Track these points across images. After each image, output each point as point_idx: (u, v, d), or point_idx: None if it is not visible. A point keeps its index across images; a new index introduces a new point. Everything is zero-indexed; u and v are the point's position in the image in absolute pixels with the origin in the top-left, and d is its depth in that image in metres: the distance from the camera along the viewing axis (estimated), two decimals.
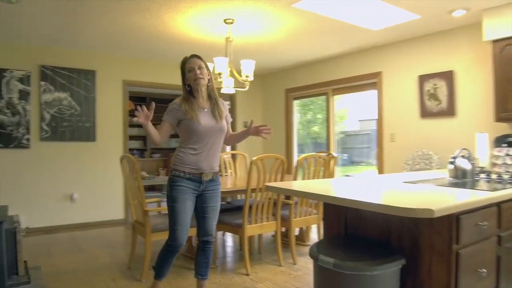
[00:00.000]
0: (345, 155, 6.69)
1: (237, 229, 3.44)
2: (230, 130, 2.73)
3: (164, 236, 3.31)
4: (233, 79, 4.08)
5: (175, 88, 6.10)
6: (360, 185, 2.30)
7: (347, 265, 1.65)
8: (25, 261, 2.84)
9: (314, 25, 4.18)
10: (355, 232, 2.08)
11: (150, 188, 8.56)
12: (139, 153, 9.73)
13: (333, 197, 1.80)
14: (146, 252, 3.25)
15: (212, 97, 2.54)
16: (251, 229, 3.44)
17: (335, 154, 4.61)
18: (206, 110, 2.50)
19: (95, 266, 3.58)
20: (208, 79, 2.50)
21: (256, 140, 7.04)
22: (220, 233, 4.66)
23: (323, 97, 6.00)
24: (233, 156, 5.25)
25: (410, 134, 4.64)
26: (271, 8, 3.68)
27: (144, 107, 2.35)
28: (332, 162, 4.26)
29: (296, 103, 6.65)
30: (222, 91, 4.05)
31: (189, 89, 2.50)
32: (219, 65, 3.82)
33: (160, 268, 2.61)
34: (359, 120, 6.86)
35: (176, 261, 3.67)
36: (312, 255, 1.82)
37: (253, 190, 3.42)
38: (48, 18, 3.91)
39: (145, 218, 3.24)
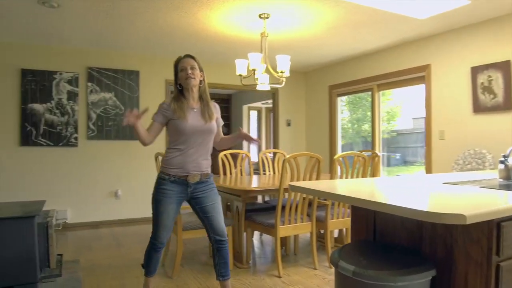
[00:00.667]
0: (398, 154, 6.35)
1: (269, 229, 3.35)
2: (221, 133, 2.71)
3: (195, 235, 3.32)
4: (268, 76, 3.98)
5: (218, 87, 6.14)
6: (394, 186, 2.10)
7: (368, 273, 1.49)
8: (60, 255, 2.94)
9: (354, 17, 3.96)
10: (384, 237, 1.89)
11: None
12: None
13: (353, 197, 1.64)
14: (178, 249, 3.25)
15: (204, 98, 2.53)
16: (284, 230, 3.32)
17: (379, 153, 4.36)
18: (195, 110, 2.48)
19: (129, 262, 3.64)
20: (200, 80, 2.51)
21: (300, 139, 6.90)
22: (257, 233, 4.60)
23: (368, 93, 5.72)
24: (273, 155, 5.15)
25: (461, 131, 4.26)
26: (307, 1, 3.53)
27: (135, 109, 2.37)
28: (375, 161, 4.02)
29: (343, 100, 6.41)
30: (258, 87, 3.96)
31: (181, 89, 2.50)
32: (253, 61, 3.74)
33: (148, 265, 2.61)
34: (412, 118, 6.49)
35: (210, 260, 3.67)
36: (332, 260, 1.68)
37: (286, 190, 3.31)
38: (89, 21, 4.05)
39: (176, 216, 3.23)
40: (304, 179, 3.33)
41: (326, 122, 6.44)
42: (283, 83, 3.99)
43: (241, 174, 4.56)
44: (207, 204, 2.52)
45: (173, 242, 3.55)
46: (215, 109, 2.60)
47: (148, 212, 4.24)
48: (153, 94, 5.62)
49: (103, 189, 5.30)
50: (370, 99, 5.67)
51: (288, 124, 6.81)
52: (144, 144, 2.46)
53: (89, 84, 5.22)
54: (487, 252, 1.44)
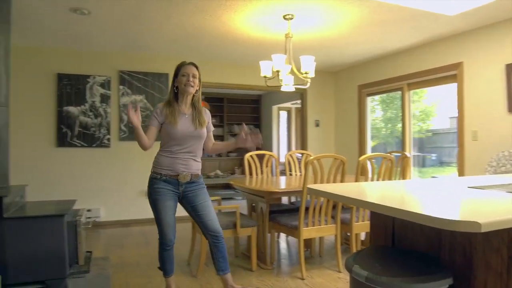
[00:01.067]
0: (433, 155, 6.15)
1: (293, 231, 3.34)
2: (212, 138, 2.84)
3: None
4: (293, 77, 3.97)
5: (245, 88, 6.17)
6: (415, 190, 2.04)
7: (381, 280, 1.46)
8: (90, 252, 3.06)
9: (379, 15, 3.87)
10: (403, 242, 1.85)
11: (226, 186, 8.82)
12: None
13: (366, 202, 1.61)
14: (202, 249, 3.31)
15: (196, 106, 2.64)
16: (307, 232, 3.31)
17: (408, 154, 4.24)
18: (187, 116, 2.60)
19: (157, 260, 3.72)
20: (196, 90, 2.62)
21: (328, 139, 6.82)
22: (283, 234, 4.59)
23: (398, 92, 5.57)
24: (301, 155, 5.13)
25: (495, 131, 4.06)
26: (331, 1, 3.49)
27: (138, 106, 2.53)
28: (404, 162, 3.92)
29: (376, 99, 6.27)
30: (282, 89, 3.96)
31: (176, 91, 2.62)
32: (277, 63, 3.74)
33: (163, 265, 2.74)
34: (449, 117, 6.26)
35: (235, 260, 3.71)
36: (347, 265, 1.66)
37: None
38: (118, 26, 4.19)
39: None
40: (328, 181, 3.30)
41: (356, 123, 6.33)
42: (308, 84, 3.97)
43: (267, 175, 4.56)
44: (198, 203, 2.62)
45: (198, 241, 3.62)
46: (206, 115, 2.70)
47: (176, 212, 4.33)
48: None
49: (134, 188, 5.47)
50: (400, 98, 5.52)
51: (317, 125, 6.75)
52: (145, 147, 2.54)
53: (121, 87, 5.40)
54: (508, 262, 1.39)
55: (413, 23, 4.13)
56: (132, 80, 5.45)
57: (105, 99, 5.33)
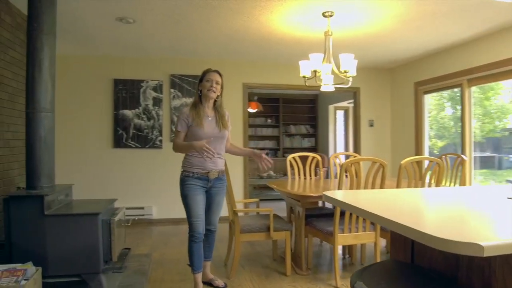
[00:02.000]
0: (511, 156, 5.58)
1: (328, 237, 3.22)
2: (230, 138, 3.10)
3: (253, 238, 3.35)
4: (333, 76, 3.82)
5: (295, 88, 6.10)
6: (442, 199, 1.85)
7: None
8: (128, 248, 3.22)
9: (427, 7, 3.58)
10: (422, 259, 1.69)
11: None
12: (272, 153, 10.05)
13: (370, 213, 1.48)
14: (236, 252, 3.31)
15: (219, 111, 2.90)
16: (343, 238, 3.17)
17: (465, 157, 3.88)
18: (210, 118, 2.86)
19: None
20: (218, 95, 2.88)
21: (384, 140, 6.50)
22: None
23: (457, 89, 5.12)
24: (345, 158, 4.94)
25: None
26: None
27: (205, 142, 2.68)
28: (455, 164, 3.60)
29: (443, 96, 5.83)
30: (322, 89, 3.83)
31: (200, 95, 2.87)
32: (314, 62, 3.63)
33: (192, 260, 2.87)
34: None
35: (271, 264, 3.67)
36: (351, 280, 1.55)
37: None
38: (162, 32, 4.35)
39: (235, 218, 3.31)
40: (365, 186, 3.13)
41: (412, 122, 5.94)
42: (350, 83, 3.80)
43: (311, 177, 4.45)
44: (215, 200, 2.95)
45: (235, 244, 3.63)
46: (228, 119, 2.97)
47: (224, 211, 4.42)
48: (231, 97, 5.80)
49: None
50: (475, 95, 5.03)
51: (371, 125, 6.45)
52: (180, 152, 2.87)
53: (172, 90, 5.61)
54: None
55: (469, 13, 3.76)
56: (182, 84, 5.64)
57: (157, 102, 5.57)
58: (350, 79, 3.72)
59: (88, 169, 5.40)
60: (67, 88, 5.35)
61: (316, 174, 4.67)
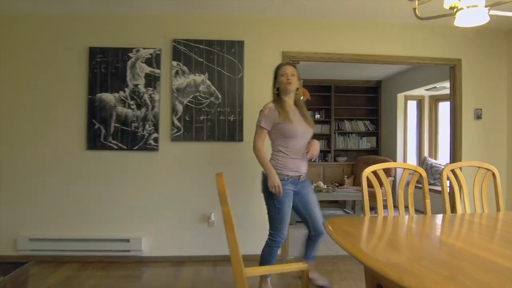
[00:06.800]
0: None
1: None
2: None
3: None
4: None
5: (356, 60, 4.01)
6: None
7: None
8: None
9: None
10: None
11: (332, 203, 6.72)
12: (321, 156, 7.96)
13: None
14: None
15: (299, 104, 2.77)
16: None
17: None
18: (297, 116, 2.70)
19: None
20: (297, 88, 2.73)
21: (496, 139, 4.24)
22: None
23: None
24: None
25: None
26: None
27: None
28: None
29: None
30: (456, 23, 1.73)
31: (278, 92, 2.76)
32: None
33: (270, 262, 2.67)
34: None
35: None
36: None
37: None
38: None
39: None
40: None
41: None
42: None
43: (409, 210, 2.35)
44: (309, 199, 2.76)
45: None
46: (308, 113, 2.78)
47: (255, 247, 2.91)
48: (264, 74, 3.81)
49: (191, 212, 3.73)
50: None
51: (478, 117, 4.20)
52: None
53: (174, 63, 3.72)
54: None
55: None
56: (190, 53, 3.73)
57: (152, 81, 3.70)
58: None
59: (48, 182, 3.64)
60: (18, 63, 3.62)
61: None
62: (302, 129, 2.65)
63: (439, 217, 2.09)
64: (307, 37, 3.89)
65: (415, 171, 2.27)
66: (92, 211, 3.65)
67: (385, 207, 2.41)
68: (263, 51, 3.83)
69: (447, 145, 4.31)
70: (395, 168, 5.22)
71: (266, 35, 3.84)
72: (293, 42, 3.88)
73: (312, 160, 2.72)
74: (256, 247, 2.94)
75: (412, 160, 7.18)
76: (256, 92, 3.79)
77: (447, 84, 5.94)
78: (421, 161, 7.01)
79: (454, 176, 2.37)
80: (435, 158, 7.01)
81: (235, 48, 3.77)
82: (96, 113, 3.65)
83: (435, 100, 7.08)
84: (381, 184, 2.26)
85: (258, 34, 3.83)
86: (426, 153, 7.09)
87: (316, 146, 2.66)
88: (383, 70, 6.78)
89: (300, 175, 2.69)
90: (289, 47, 3.87)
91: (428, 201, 2.23)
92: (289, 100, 2.73)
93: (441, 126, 7.02)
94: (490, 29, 4.15)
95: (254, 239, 3.20)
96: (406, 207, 2.26)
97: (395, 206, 4.19)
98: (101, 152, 3.66)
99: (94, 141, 3.64)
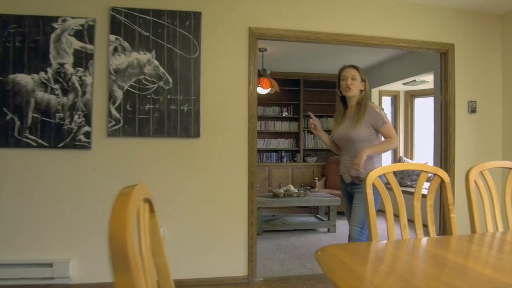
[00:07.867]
0: None
1: None
2: (382, 138, 2.63)
3: None
4: None
5: (336, 41, 3.39)
6: None
7: None
8: None
9: None
10: None
11: (302, 207, 6.08)
12: (289, 156, 7.37)
13: None
14: None
15: (361, 104, 2.60)
16: None
17: None
18: (348, 119, 2.63)
19: None
20: (361, 90, 2.62)
21: (491, 135, 3.76)
22: None
23: None
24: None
25: None
26: None
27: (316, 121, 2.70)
28: None
29: None
30: None
31: (341, 95, 2.69)
32: None
33: None
34: None
35: None
36: None
37: None
38: None
39: None
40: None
41: None
42: None
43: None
44: (352, 205, 2.60)
45: None
46: (370, 115, 2.54)
47: (224, 270, 2.33)
48: (226, 54, 3.11)
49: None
50: None
51: (472, 110, 3.70)
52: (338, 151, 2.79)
53: (113, 37, 2.92)
54: None
55: None
56: (133, 26, 2.95)
57: (82, 59, 2.89)
58: None
59: None
60: None
61: None
62: (338, 133, 2.68)
63: (475, 240, 1.46)
64: (279, 12, 3.22)
65: (435, 174, 1.63)
66: (3, 229, 2.80)
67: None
68: (225, 26, 3.12)
69: (423, 144, 3.79)
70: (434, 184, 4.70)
71: (229, 7, 3.13)
72: (262, 17, 3.19)
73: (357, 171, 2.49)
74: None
75: (386, 160, 6.70)
76: (216, 76, 3.08)
77: (427, 77, 5.48)
78: (396, 161, 6.55)
79: (483, 181, 1.76)
80: (411, 158, 6.58)
81: (190, 20, 3.03)
82: (8, 99, 2.79)
83: (411, 96, 6.64)
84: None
85: (219, 5, 3.11)
86: (401, 152, 6.64)
87: (357, 159, 2.44)
88: (357, 62, 6.24)
89: (341, 175, 2.71)
90: (257, 23, 3.18)
91: (453, 215, 1.60)
92: (350, 104, 2.67)
93: (417, 123, 6.59)
94: (485, 12, 3.66)
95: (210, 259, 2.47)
96: (425, 225, 1.62)
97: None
98: (15, 151, 2.81)
99: (6, 137, 2.78)
